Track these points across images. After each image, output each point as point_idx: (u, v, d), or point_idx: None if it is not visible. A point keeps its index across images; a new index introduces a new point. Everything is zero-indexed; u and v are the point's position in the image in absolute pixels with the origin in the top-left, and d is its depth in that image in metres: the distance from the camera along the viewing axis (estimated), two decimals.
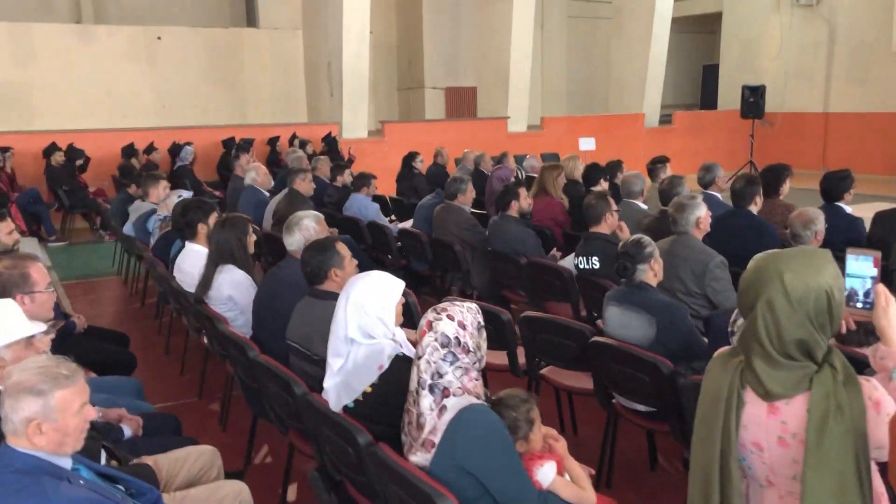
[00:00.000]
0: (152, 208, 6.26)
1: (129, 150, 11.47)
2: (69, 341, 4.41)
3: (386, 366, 2.73)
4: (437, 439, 2.37)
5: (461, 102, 18.06)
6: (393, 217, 8.33)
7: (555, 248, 5.99)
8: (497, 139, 14.71)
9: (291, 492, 3.91)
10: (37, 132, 12.83)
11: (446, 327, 2.43)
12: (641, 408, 3.61)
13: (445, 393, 2.39)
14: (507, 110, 15.78)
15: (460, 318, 2.46)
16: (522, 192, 5.74)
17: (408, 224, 7.19)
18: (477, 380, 2.47)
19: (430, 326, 2.45)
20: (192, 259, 4.69)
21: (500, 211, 5.80)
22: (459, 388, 2.41)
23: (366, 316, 2.78)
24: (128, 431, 3.13)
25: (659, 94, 17.32)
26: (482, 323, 2.53)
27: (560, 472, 2.54)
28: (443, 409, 2.38)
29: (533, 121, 16.83)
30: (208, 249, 4.44)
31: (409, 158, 9.59)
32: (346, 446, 2.76)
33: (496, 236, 5.79)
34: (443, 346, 2.41)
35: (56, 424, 2.05)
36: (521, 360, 4.23)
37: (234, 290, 4.23)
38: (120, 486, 2.30)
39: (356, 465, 2.76)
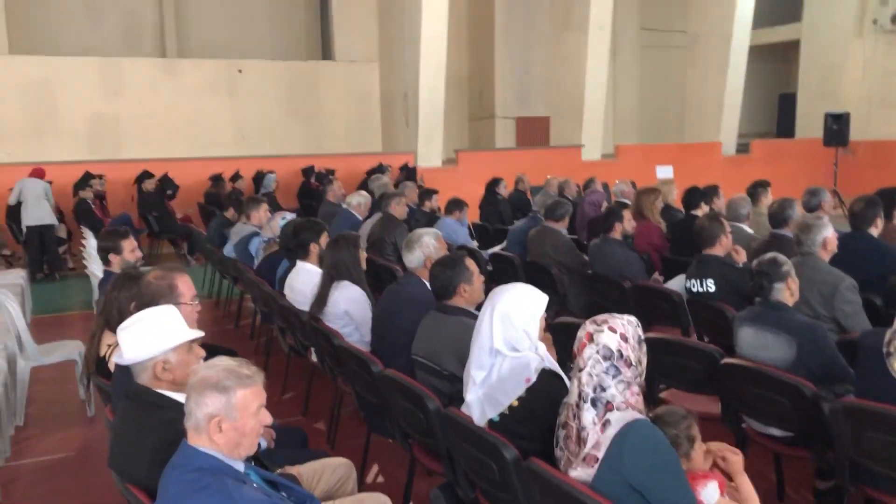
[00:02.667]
0: (254, 231, 6.37)
1: (216, 178, 11.77)
2: None
3: (534, 379, 2.68)
4: (600, 454, 2.30)
5: (532, 132, 18.07)
6: (476, 243, 8.32)
7: (657, 273, 5.87)
8: (571, 167, 14.64)
9: None
10: (125, 161, 13.28)
11: (608, 339, 2.37)
12: (777, 432, 3.47)
13: (608, 407, 2.33)
14: (580, 139, 15.73)
15: (622, 331, 2.40)
16: (627, 214, 5.66)
17: (498, 248, 7.16)
18: (638, 395, 2.40)
19: (590, 338, 2.40)
20: (304, 277, 4.74)
21: (603, 233, 5.72)
22: (623, 402, 2.34)
23: (512, 328, 2.74)
24: (263, 443, 3.14)
25: (736, 122, 17.07)
26: (642, 336, 2.46)
27: (722, 492, 2.44)
28: (606, 423, 2.31)
29: (606, 149, 16.72)
30: (322, 267, 4.49)
31: (493, 184, 9.60)
32: (489, 462, 2.71)
33: (598, 259, 5.71)
34: (605, 358, 2.36)
35: (236, 423, 2.06)
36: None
37: (350, 306, 4.25)
38: (283, 493, 2.30)
39: (500, 481, 2.71)
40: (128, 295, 3.21)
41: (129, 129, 15.20)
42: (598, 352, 2.36)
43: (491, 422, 2.75)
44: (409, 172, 12.98)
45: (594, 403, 2.34)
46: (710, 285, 4.60)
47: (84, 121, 14.85)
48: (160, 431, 2.32)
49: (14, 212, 10.23)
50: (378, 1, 15.74)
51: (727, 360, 3.52)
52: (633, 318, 2.48)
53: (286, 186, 13.07)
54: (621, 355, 2.36)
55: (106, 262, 4.51)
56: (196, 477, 2.00)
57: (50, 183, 10.51)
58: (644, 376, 2.45)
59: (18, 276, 7.96)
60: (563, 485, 2.30)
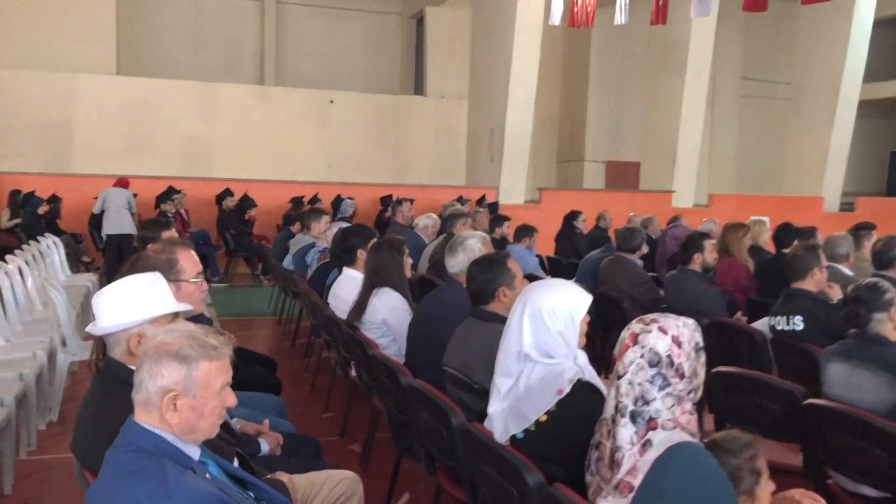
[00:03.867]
0: (312, 241, 6.16)
1: (296, 201, 11.77)
2: None
3: (566, 391, 2.25)
4: (636, 482, 1.86)
5: (622, 176, 17.54)
6: (546, 275, 7.88)
7: (740, 313, 5.30)
8: (661, 214, 14.00)
9: None
10: (213, 179, 13.49)
11: (657, 342, 1.94)
12: (870, 492, 2.90)
13: (651, 424, 1.89)
14: (671, 185, 15.11)
15: (675, 333, 1.96)
16: (709, 245, 5.14)
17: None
18: (692, 414, 1.95)
19: (634, 340, 1.97)
20: (348, 285, 4.44)
21: (681, 264, 5.22)
22: (669, 420, 1.89)
23: (546, 330, 2.33)
24: (265, 447, 2.81)
25: (841, 178, 16.08)
26: (701, 343, 2.02)
27: None
28: (647, 443, 1.87)
29: (699, 199, 16.00)
30: (364, 273, 4.17)
31: (572, 217, 9.16)
32: (509, 487, 2.29)
33: (673, 292, 5.20)
34: (651, 364, 1.92)
35: (193, 402, 1.74)
36: (708, 425, 3.60)
37: (389, 314, 3.91)
38: (250, 493, 1.95)
39: None
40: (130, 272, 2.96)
41: (220, 151, 15.50)
42: (642, 356, 1.94)
43: (514, 439, 2.34)
44: (491, 207, 12.65)
45: (633, 418, 1.90)
46: (798, 323, 4.04)
47: (179, 141, 15.25)
48: (124, 413, 2.01)
49: (97, 220, 10.43)
50: (472, 38, 15.71)
51: (811, 400, 2.99)
52: (690, 321, 2.04)
53: (364, 213, 12.96)
54: (672, 363, 1.93)
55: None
56: (133, 458, 1.68)
57: (135, 195, 10.69)
58: (700, 393, 2.00)
59: (88, 279, 8.01)
60: None
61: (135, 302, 2.18)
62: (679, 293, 5.13)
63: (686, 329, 1.99)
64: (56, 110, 14.19)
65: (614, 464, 1.91)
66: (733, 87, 19.24)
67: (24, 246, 7.48)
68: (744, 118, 19.45)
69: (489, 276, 3.02)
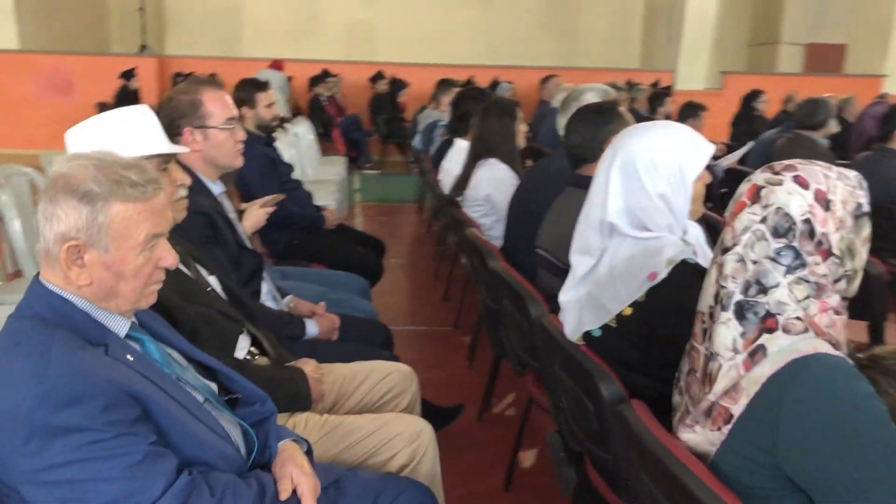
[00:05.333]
0: (440, 117, 5.62)
1: (444, 82, 11.20)
2: (311, 235, 3.90)
3: (662, 276, 1.60)
4: (736, 409, 1.21)
5: (824, 60, 15.35)
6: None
7: None
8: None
9: (527, 457, 2.94)
10: (373, 62, 13.19)
11: (789, 200, 1.24)
12: None
13: (768, 324, 1.22)
14: (883, 69, 13.02)
15: (820, 187, 1.25)
16: None
17: (734, 159, 5.66)
18: (838, 315, 1.25)
19: (753, 196, 1.28)
20: (456, 157, 3.89)
21: (879, 142, 4.18)
22: (798, 319, 1.21)
23: (642, 191, 1.66)
24: (313, 330, 2.37)
25: None
26: (865, 207, 1.30)
27: None
28: (758, 352, 1.21)
29: None
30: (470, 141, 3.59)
31: (751, 98, 7.94)
32: (582, 397, 1.72)
33: (865, 177, 4.18)
34: (777, 233, 1.24)
35: (105, 257, 1.29)
36: (859, 334, 2.80)
37: (493, 189, 3.33)
38: (212, 385, 1.50)
39: (597, 431, 1.71)
40: None
41: (383, 36, 15.20)
42: (764, 220, 1.25)
43: (589, 336, 1.73)
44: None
45: (741, 313, 1.24)
46: None
47: (343, 26, 15.09)
48: None
49: None
50: None
51: None
52: (852, 173, 1.32)
53: (529, 100, 12.18)
54: (811, 232, 1.23)
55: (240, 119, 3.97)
56: (24, 326, 1.26)
57: (289, 79, 10.58)
58: (857, 283, 1.29)
59: None
60: (660, 450, 1.26)
61: (110, 139, 1.75)
62: (873, 177, 4.11)
63: (840, 183, 1.27)
64: None
65: (708, 379, 1.27)
66: None
67: None
68: None
69: (593, 128, 2.33)
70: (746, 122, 7.78)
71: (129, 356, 1.30)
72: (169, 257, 1.35)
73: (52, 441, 1.15)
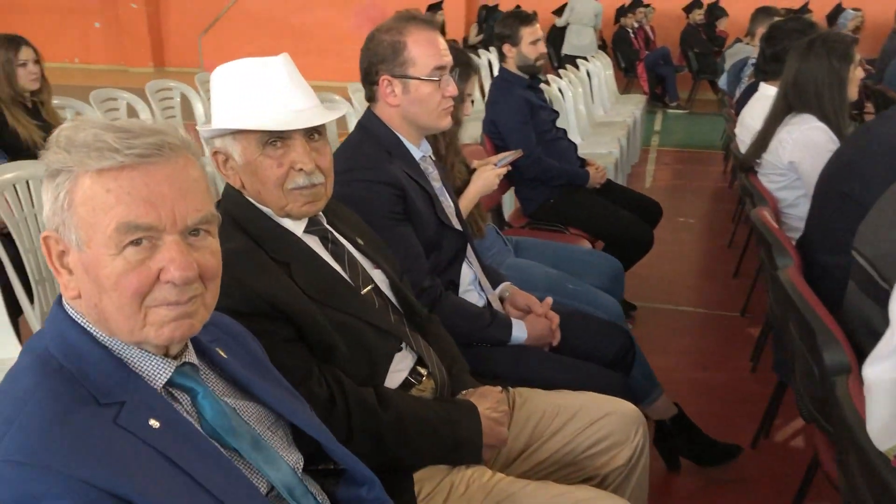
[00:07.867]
0: (751, 53, 4.65)
1: (764, 10, 9.71)
2: (571, 194, 3.37)
3: None
4: None
5: None
6: None
7: None
8: None
9: None
10: None
11: None
12: None
13: None
14: None
15: None
16: None
17: None
18: None
19: None
20: (758, 107, 3.04)
21: None
22: None
23: None
24: (520, 334, 1.86)
25: None
26: None
27: None
28: None
29: None
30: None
31: None
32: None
33: None
34: None
35: (83, 258, 0.89)
36: None
37: (801, 155, 2.51)
38: (298, 458, 1.07)
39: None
40: None
41: None
42: None
43: None
44: None
45: None
46: None
47: None
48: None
49: (557, 34, 9.89)
50: None
51: None
52: None
53: (878, 34, 10.12)
54: None
55: (501, 57, 3.50)
56: (20, 369, 0.90)
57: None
58: None
59: None
60: None
61: (229, 98, 1.37)
62: None
63: None
64: None
65: None
66: None
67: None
68: None
69: None
70: None
71: (152, 421, 0.90)
72: (171, 267, 0.90)
73: None
